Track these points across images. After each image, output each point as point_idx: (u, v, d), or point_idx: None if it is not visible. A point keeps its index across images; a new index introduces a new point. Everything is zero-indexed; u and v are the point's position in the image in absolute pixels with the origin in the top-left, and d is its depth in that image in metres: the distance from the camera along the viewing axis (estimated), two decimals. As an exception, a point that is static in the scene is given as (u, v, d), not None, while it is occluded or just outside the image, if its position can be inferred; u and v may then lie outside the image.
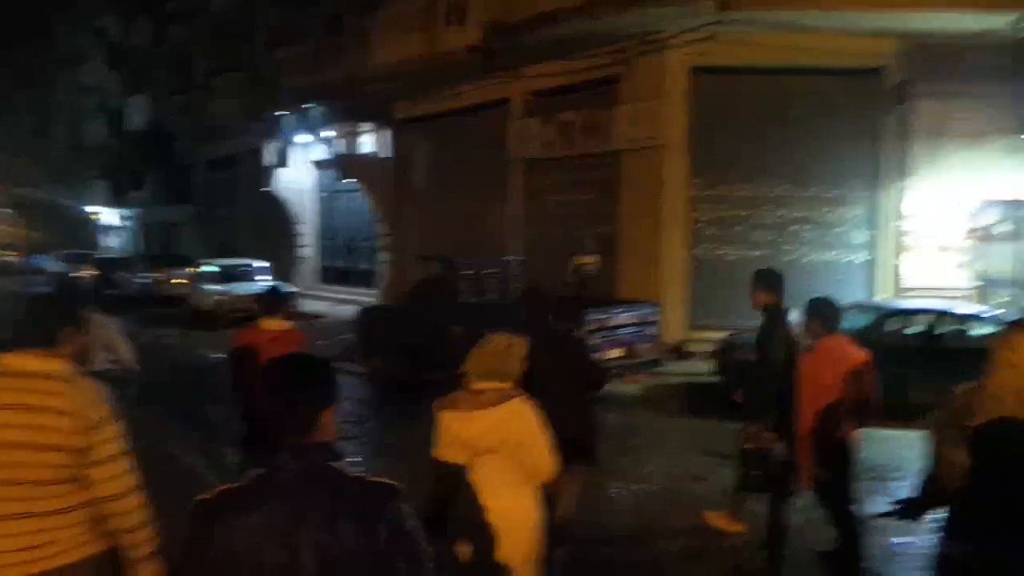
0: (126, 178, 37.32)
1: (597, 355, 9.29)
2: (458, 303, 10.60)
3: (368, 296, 19.34)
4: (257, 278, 19.16)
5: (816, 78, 12.40)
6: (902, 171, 12.33)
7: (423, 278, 11.89)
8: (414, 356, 10.61)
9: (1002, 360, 2.86)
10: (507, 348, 3.36)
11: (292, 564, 1.87)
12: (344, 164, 19.99)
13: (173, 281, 22.35)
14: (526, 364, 3.44)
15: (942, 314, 9.48)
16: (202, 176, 31.23)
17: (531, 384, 3.43)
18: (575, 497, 4.85)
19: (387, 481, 2.03)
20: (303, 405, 2.00)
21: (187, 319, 18.93)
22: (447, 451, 3.27)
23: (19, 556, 2.52)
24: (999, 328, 5.29)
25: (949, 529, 2.95)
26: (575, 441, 3.41)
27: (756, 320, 5.19)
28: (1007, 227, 11.82)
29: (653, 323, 10.19)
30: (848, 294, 11.90)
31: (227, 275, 19.00)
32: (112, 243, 42.02)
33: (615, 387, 10.09)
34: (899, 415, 7.03)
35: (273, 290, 5.77)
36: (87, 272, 27.01)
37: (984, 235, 12.09)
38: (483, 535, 3.19)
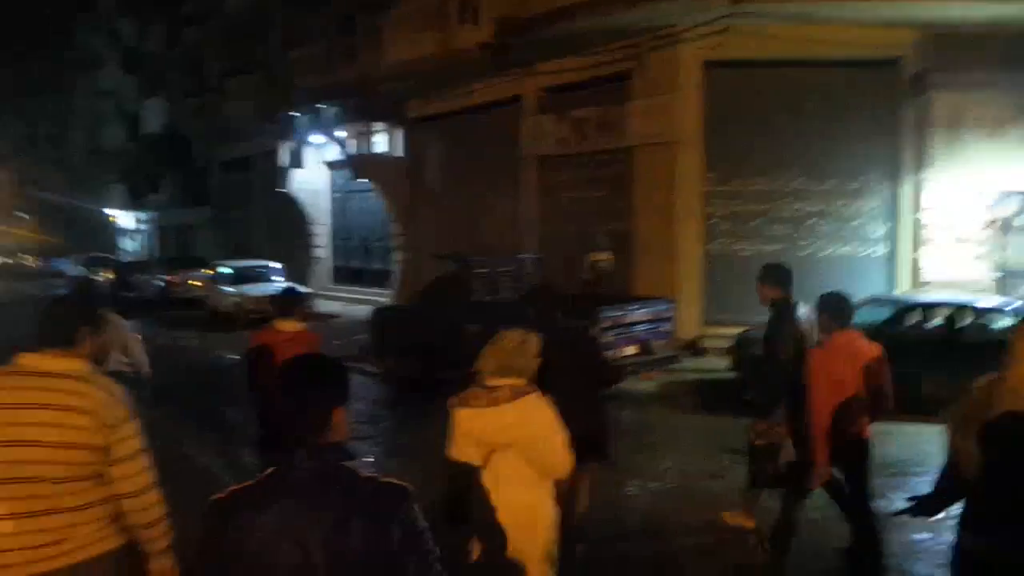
0: (143, 181, 37.62)
1: (612, 352, 9.27)
2: (472, 302, 10.58)
3: (382, 296, 19.38)
4: (273, 279, 19.25)
5: (832, 70, 12.25)
6: (920, 163, 12.17)
7: (437, 277, 11.89)
8: (427, 355, 10.59)
9: (1021, 352, 2.80)
10: (520, 344, 3.34)
11: (304, 563, 1.89)
12: (357, 164, 20.01)
13: (190, 283, 22.53)
14: (540, 360, 3.42)
15: (962, 307, 9.33)
16: (217, 178, 31.41)
17: (543, 382, 3.41)
18: (588, 495, 4.82)
19: (399, 482, 2.05)
20: (315, 405, 2.03)
21: (205, 321, 19.05)
22: (461, 449, 3.27)
23: (42, 552, 2.57)
24: (1018, 320, 5.21)
25: (964, 522, 2.94)
26: (587, 438, 3.40)
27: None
28: (1027, 217, 11.68)
29: (668, 320, 10.12)
30: (867, 288, 11.79)
31: (243, 276, 19.09)
32: (129, 246, 42.40)
33: (630, 384, 10.06)
34: (919, 409, 6.96)
35: (288, 291, 5.78)
36: (105, 275, 27.27)
37: (1003, 226, 11.93)
38: (494, 534, 3.19)
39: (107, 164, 42.24)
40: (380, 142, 20.72)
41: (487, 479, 3.24)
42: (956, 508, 3.02)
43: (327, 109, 20.65)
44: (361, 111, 20.04)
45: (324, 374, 2.11)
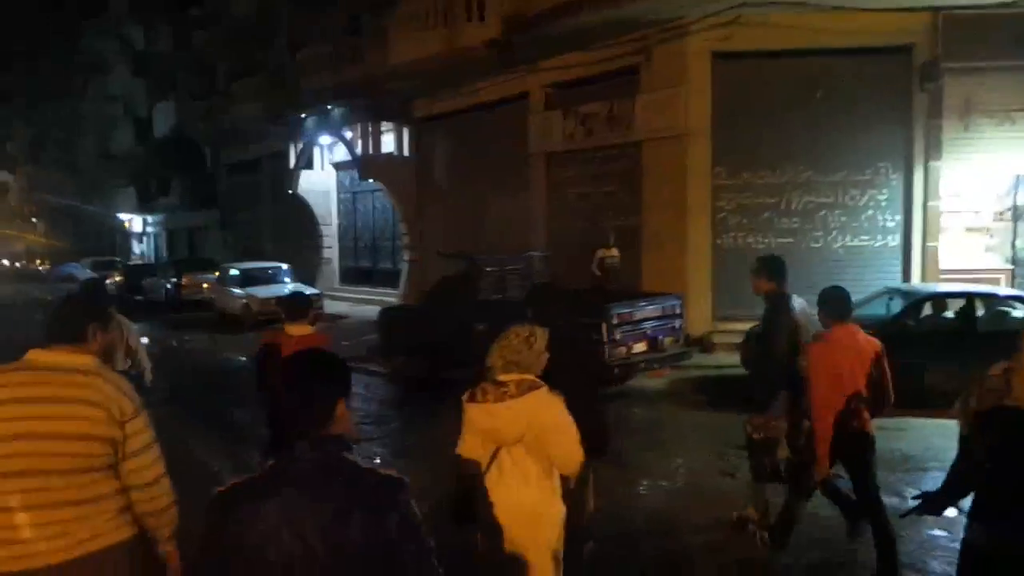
0: (153, 184, 37.76)
1: (622, 349, 9.19)
2: (480, 300, 10.51)
3: (391, 296, 19.35)
4: (281, 280, 19.27)
5: (841, 59, 12.10)
6: (934, 151, 12.01)
7: (444, 276, 11.83)
8: (435, 355, 10.54)
9: None
10: (527, 339, 3.34)
11: (305, 553, 1.91)
12: (365, 164, 19.99)
13: (199, 285, 22.58)
14: (548, 355, 3.41)
15: (975, 297, 9.20)
16: (225, 180, 31.49)
17: (545, 379, 3.37)
18: (596, 494, 4.76)
19: (396, 474, 2.08)
20: (318, 398, 2.07)
21: (213, 323, 19.08)
22: (469, 444, 3.29)
23: (55, 543, 2.60)
24: None
25: (971, 513, 2.93)
26: (588, 437, 3.39)
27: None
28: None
29: (678, 316, 10.03)
30: (881, 279, 11.69)
31: (251, 278, 19.10)
32: (138, 249, 42.62)
33: (640, 381, 10.00)
34: (930, 403, 6.86)
35: (297, 296, 5.78)
36: (113, 278, 27.42)
37: (1016, 215, 11.80)
38: (494, 531, 3.22)
39: (116, 168, 42.45)
40: (387, 142, 20.69)
41: (493, 475, 3.25)
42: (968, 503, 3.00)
43: (334, 110, 20.66)
44: (368, 111, 20.03)
45: (325, 367, 2.15)
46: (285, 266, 20.36)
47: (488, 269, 11.01)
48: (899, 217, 12.40)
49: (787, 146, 12.45)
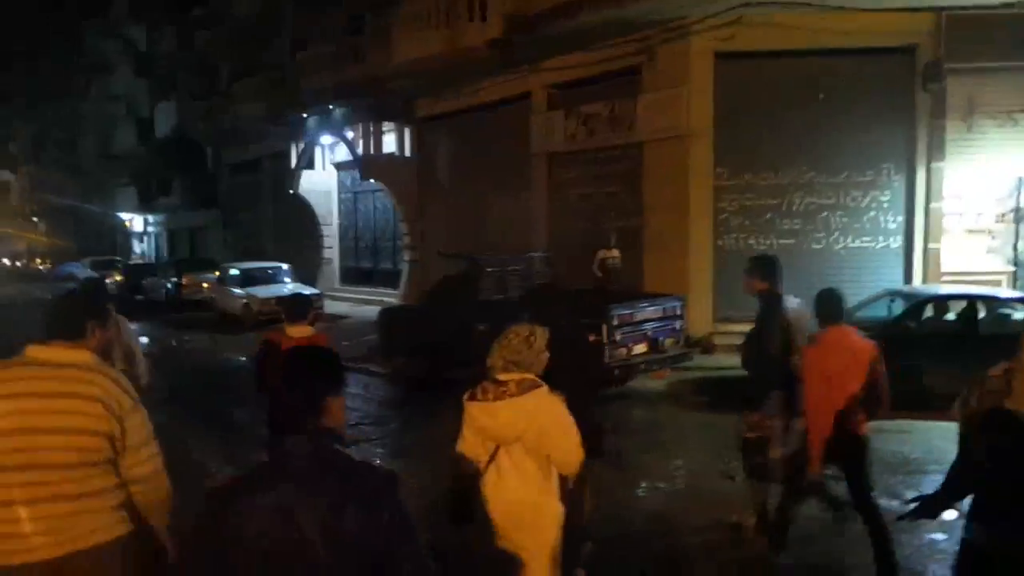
0: (154, 184, 37.75)
1: (622, 351, 9.16)
2: (481, 300, 10.48)
3: (391, 296, 19.33)
4: (281, 280, 19.25)
5: (844, 60, 12.06)
6: (936, 152, 11.97)
7: (445, 276, 11.81)
8: (435, 355, 10.51)
9: None
10: (527, 339, 3.37)
11: (301, 545, 1.93)
12: (366, 165, 19.97)
13: (200, 285, 22.56)
14: (548, 355, 3.43)
15: (977, 300, 9.16)
16: (226, 180, 31.47)
17: (545, 380, 3.39)
18: (592, 494, 4.76)
19: (388, 469, 2.22)
20: (311, 391, 2.12)
21: (213, 323, 19.05)
22: (469, 443, 3.32)
23: (51, 538, 2.62)
24: None
25: (972, 513, 2.94)
26: (584, 437, 3.42)
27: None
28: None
29: (679, 317, 9.99)
30: (883, 281, 11.66)
31: (252, 278, 19.08)
32: (139, 249, 42.63)
33: (640, 383, 9.96)
34: (932, 405, 6.83)
35: (298, 297, 5.80)
36: (114, 278, 27.41)
37: (1017, 217, 11.76)
38: (494, 529, 3.25)
39: (117, 168, 42.44)
40: (389, 142, 20.67)
41: (491, 475, 3.27)
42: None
43: (336, 110, 20.63)
44: (370, 111, 20.01)
45: (320, 362, 2.21)
46: (285, 266, 20.34)
47: (489, 269, 10.98)
48: (901, 218, 12.37)
49: (789, 147, 12.41)
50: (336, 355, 2.30)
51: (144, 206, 39.84)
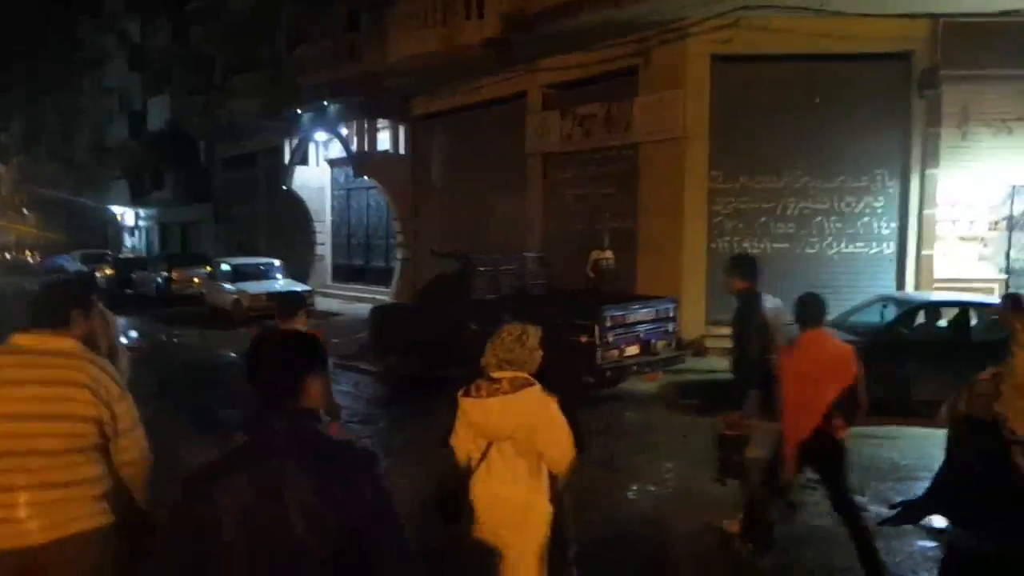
0: (146, 178, 37.56)
1: (614, 352, 9.13)
2: (473, 300, 10.44)
3: (383, 294, 19.28)
4: (273, 276, 19.17)
5: (840, 65, 12.08)
6: (931, 158, 11.99)
7: (437, 275, 11.77)
8: (427, 354, 10.47)
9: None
10: (519, 337, 3.41)
11: (283, 523, 1.94)
12: (360, 162, 19.91)
13: (190, 280, 22.46)
14: (541, 353, 3.48)
15: (969, 307, 9.16)
16: (220, 175, 31.35)
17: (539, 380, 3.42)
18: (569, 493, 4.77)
19: (368, 448, 2.23)
20: (291, 371, 2.12)
21: (204, 318, 18.95)
22: (462, 439, 3.39)
23: (36, 523, 2.66)
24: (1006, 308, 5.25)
25: (959, 517, 2.96)
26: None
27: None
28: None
29: (671, 319, 9.97)
30: (876, 286, 11.68)
31: (243, 273, 18.99)
32: (130, 243, 42.43)
33: (632, 385, 9.93)
34: (923, 413, 6.82)
35: (291, 295, 5.80)
36: (104, 271, 27.28)
37: (1010, 224, 11.79)
38: (483, 527, 3.32)
39: (110, 161, 42.22)
40: (383, 139, 20.62)
41: (481, 472, 3.32)
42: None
43: (331, 106, 20.56)
44: (364, 108, 19.96)
45: (299, 344, 2.23)
46: (277, 262, 20.23)
47: (482, 268, 10.95)
48: (895, 224, 12.39)
49: (784, 151, 12.42)
50: (316, 339, 2.33)
51: (136, 200, 39.65)
